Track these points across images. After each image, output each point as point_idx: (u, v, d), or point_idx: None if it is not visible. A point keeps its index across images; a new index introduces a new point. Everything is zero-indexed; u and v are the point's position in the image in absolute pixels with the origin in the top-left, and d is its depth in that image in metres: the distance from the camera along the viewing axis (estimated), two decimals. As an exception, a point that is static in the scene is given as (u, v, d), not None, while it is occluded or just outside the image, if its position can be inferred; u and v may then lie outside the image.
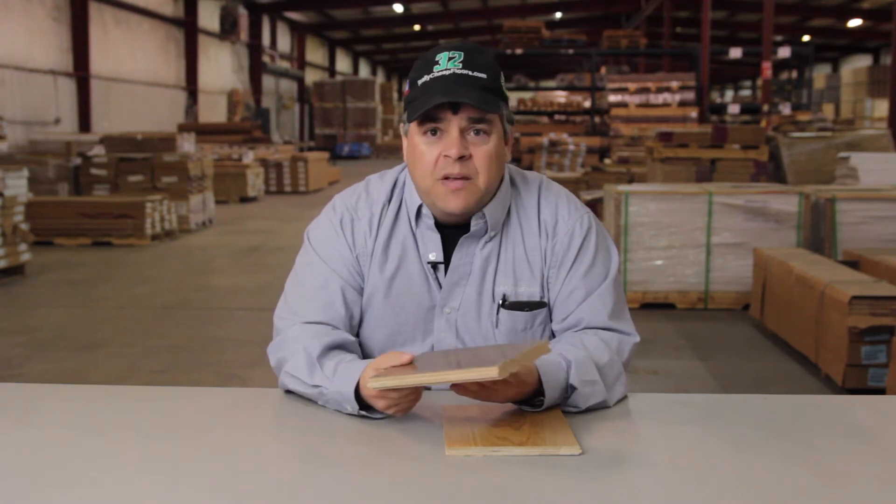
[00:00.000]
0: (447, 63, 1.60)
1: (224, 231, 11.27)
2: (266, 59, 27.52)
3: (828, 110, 26.22)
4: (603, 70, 20.64)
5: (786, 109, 15.68)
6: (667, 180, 8.33)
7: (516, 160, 14.41)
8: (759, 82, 17.39)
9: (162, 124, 18.75)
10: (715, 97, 36.92)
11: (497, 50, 18.85)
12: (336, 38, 36.29)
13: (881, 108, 22.99)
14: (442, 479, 1.27)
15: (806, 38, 28.70)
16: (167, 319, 6.30)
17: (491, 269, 1.69)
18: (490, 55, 1.65)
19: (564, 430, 1.44)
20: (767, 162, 8.69)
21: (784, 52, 16.80)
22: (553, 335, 1.73)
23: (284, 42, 30.54)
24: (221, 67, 24.47)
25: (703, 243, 6.43)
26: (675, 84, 17.25)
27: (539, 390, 1.51)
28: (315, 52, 34.37)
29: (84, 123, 16.26)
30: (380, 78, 40.70)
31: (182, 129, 17.06)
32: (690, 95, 17.03)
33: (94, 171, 11.25)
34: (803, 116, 13.82)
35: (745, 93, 39.06)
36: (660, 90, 17.21)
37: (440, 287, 1.69)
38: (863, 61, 32.67)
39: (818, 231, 6.49)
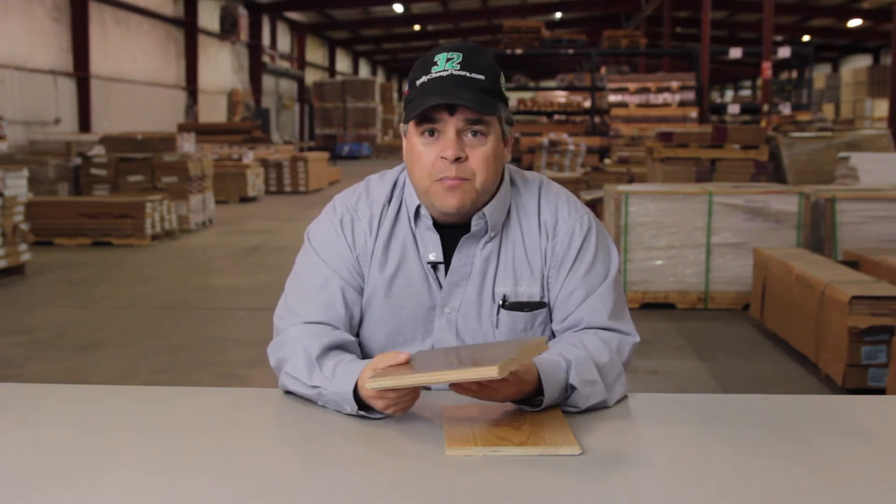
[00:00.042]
0: (445, 64, 1.60)
1: (224, 231, 11.27)
2: (266, 59, 27.52)
3: (828, 110, 26.23)
4: (603, 70, 20.64)
5: (786, 109, 15.68)
6: (667, 180, 8.33)
7: (516, 160, 14.41)
8: (759, 82, 17.39)
9: (162, 124, 18.75)
10: (715, 97, 36.92)
11: (497, 50, 18.86)
12: (336, 38, 36.29)
13: (881, 108, 23.00)
14: (442, 479, 1.27)
15: (806, 38, 28.71)
16: (167, 319, 6.30)
17: (491, 270, 1.69)
18: (489, 56, 1.65)
19: (564, 430, 1.44)
20: (767, 162, 8.69)
21: (784, 52, 16.80)
22: (553, 335, 1.73)
23: (284, 42, 30.55)
24: (221, 67, 24.47)
25: (703, 243, 6.43)
26: (675, 84, 17.26)
27: (539, 389, 1.51)
28: (315, 52, 34.37)
29: (84, 123, 16.27)
30: (380, 78, 40.70)
31: (182, 129, 17.06)
32: (690, 95, 17.03)
33: (94, 171, 11.25)
34: (803, 116, 13.83)
35: (745, 93, 39.07)
36: (660, 90, 17.21)
37: (440, 287, 1.69)
38: (863, 61, 32.67)
39: (818, 231, 6.49)
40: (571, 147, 14.40)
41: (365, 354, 1.72)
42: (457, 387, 1.48)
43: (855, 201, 6.41)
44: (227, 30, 23.81)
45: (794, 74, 22.86)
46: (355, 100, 30.04)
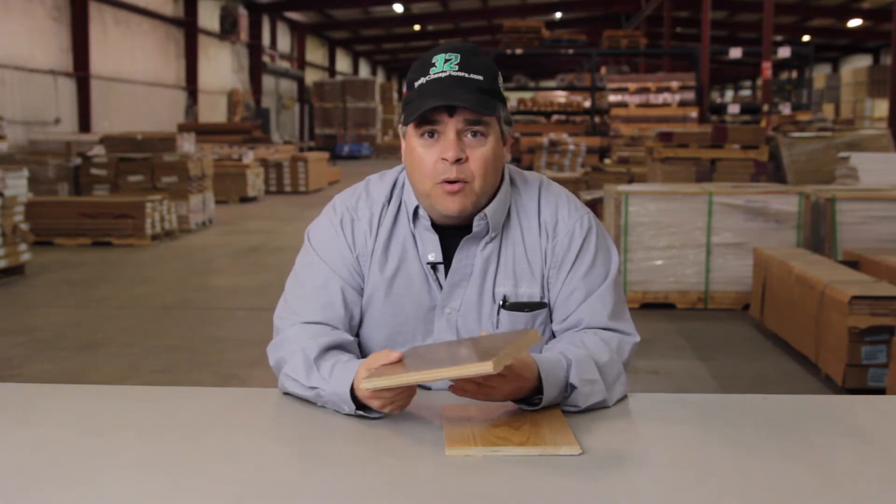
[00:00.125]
0: (443, 65, 1.60)
1: (224, 231, 11.27)
2: (266, 59, 27.53)
3: (828, 110, 26.23)
4: (603, 70, 20.64)
5: (786, 109, 15.68)
6: (667, 180, 8.33)
7: (516, 160, 14.40)
8: (759, 82, 17.39)
9: (162, 124, 18.76)
10: (715, 97, 36.92)
11: (497, 50, 18.85)
12: (336, 38, 36.29)
13: (881, 108, 23.00)
14: (442, 479, 1.27)
15: (806, 38, 28.71)
16: (167, 319, 6.30)
17: (491, 270, 1.69)
18: (487, 56, 1.65)
19: (564, 430, 1.43)
20: (767, 162, 8.69)
21: (784, 52, 16.80)
22: (553, 335, 1.73)
23: (284, 42, 30.55)
24: (221, 67, 24.48)
25: (703, 243, 6.43)
26: (675, 84, 17.26)
27: (538, 388, 1.51)
28: (315, 52, 34.38)
29: (84, 123, 16.27)
30: (380, 78, 40.70)
31: (182, 129, 17.06)
32: (690, 95, 17.03)
33: (94, 171, 11.25)
34: (803, 116, 13.83)
35: (745, 93, 39.07)
36: (660, 90, 17.21)
37: (440, 287, 1.69)
38: (863, 61, 32.67)
39: (818, 231, 6.49)
40: (571, 147, 14.40)
41: (364, 354, 1.72)
42: (456, 388, 1.48)
43: (855, 201, 6.41)
44: (227, 30, 23.82)
45: (794, 74, 22.87)
46: (355, 100, 30.04)
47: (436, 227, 1.69)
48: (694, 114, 16.34)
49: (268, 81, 28.18)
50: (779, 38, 25.91)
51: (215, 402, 1.65)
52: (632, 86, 17.49)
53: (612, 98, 17.37)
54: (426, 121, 1.60)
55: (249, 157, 15.88)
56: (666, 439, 1.45)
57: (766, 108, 13.67)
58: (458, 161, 1.59)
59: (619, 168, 11.40)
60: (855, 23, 27.34)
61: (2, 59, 13.89)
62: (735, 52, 17.81)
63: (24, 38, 14.63)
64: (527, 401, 1.53)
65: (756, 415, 1.56)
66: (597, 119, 18.42)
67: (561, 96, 22.80)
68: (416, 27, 32.98)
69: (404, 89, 1.67)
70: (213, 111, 23.55)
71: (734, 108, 18.85)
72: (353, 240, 1.71)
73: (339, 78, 34.11)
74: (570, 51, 21.13)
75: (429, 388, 1.70)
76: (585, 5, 28.63)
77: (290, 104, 30.67)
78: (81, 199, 10.31)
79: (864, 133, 10.33)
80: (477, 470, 1.29)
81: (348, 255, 1.71)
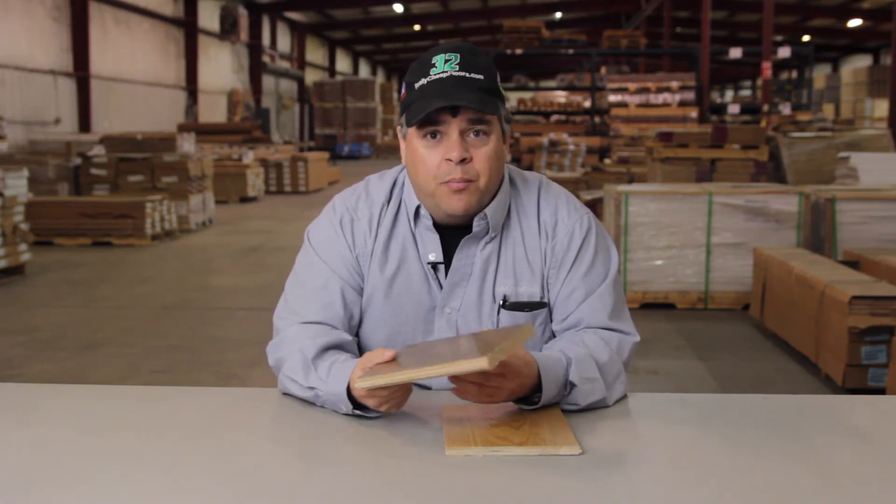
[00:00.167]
0: (444, 65, 1.60)
1: (224, 231, 11.27)
2: (266, 59, 27.52)
3: (828, 110, 26.23)
4: (603, 70, 20.64)
5: (786, 109, 15.68)
6: (667, 180, 8.33)
7: (516, 160, 14.40)
8: (759, 82, 17.39)
9: (162, 124, 18.76)
10: (715, 97, 36.92)
11: (497, 50, 18.85)
12: (336, 38, 36.30)
13: (881, 108, 23.00)
14: (442, 479, 1.27)
15: (806, 38, 28.71)
16: (167, 319, 6.30)
17: (491, 270, 1.70)
18: (486, 55, 1.65)
19: (564, 429, 1.43)
20: (767, 162, 8.69)
21: (784, 52, 16.80)
22: (553, 335, 1.73)
23: (284, 42, 30.55)
24: (221, 67, 24.48)
25: (703, 243, 6.43)
26: (675, 84, 17.26)
27: (538, 386, 1.51)
28: (315, 52, 34.38)
29: (84, 123, 16.27)
30: (380, 78, 40.70)
31: (182, 129, 17.06)
32: (690, 95, 17.03)
33: (94, 171, 11.25)
34: (803, 116, 13.83)
35: (745, 93, 39.06)
36: (660, 90, 17.21)
37: (440, 287, 1.70)
38: (863, 61, 32.68)
39: (818, 231, 6.49)
40: (571, 147, 14.40)
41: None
42: (458, 391, 1.48)
43: (855, 201, 6.41)
44: (227, 30, 23.82)
45: (794, 74, 22.87)
46: (355, 100, 30.04)
47: (436, 226, 1.69)
48: (694, 114, 16.35)
49: (268, 81, 28.18)
50: (779, 38, 25.92)
51: (215, 402, 1.65)
52: (632, 86, 17.49)
53: (612, 98, 17.37)
54: (429, 121, 1.60)
55: (249, 157, 15.88)
56: (666, 439, 1.45)
57: (766, 108, 13.67)
58: (462, 161, 1.60)
59: (619, 168, 11.40)
60: (855, 23, 27.34)
61: (2, 59, 13.89)
62: (735, 52, 17.81)
63: (24, 38, 14.64)
64: (526, 399, 1.53)
65: (756, 415, 1.56)
66: (597, 119, 18.42)
67: (561, 96, 22.80)
68: (416, 27, 32.98)
69: (402, 91, 1.67)
70: (213, 111, 23.55)
71: (734, 108, 18.86)
72: (352, 240, 1.71)
73: (339, 78, 34.11)
74: (570, 51, 21.13)
75: (429, 388, 1.70)
76: (585, 5, 28.63)
77: (290, 104, 30.68)
78: (81, 199, 10.31)
79: (864, 133, 10.33)
80: (477, 470, 1.29)
81: (348, 254, 1.71)
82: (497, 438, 1.39)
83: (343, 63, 38.87)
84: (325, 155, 19.75)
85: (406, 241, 1.71)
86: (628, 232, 6.44)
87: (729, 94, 42.48)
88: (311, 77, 32.68)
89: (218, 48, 24.13)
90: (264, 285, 7.37)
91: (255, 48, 26.63)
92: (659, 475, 1.30)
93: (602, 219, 7.19)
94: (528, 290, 1.70)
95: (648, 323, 5.88)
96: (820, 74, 31.90)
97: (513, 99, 22.82)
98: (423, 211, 1.69)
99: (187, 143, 11.86)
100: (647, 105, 17.10)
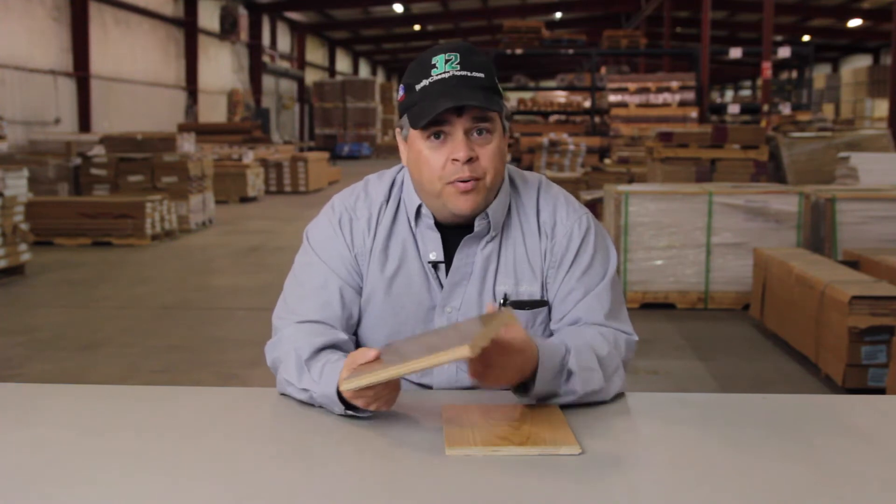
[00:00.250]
0: (445, 66, 1.60)
1: (224, 231, 11.27)
2: (266, 59, 27.53)
3: (828, 110, 26.23)
4: (603, 70, 20.64)
5: (786, 109, 15.68)
6: (667, 180, 8.33)
7: (516, 160, 14.40)
8: (759, 82, 17.39)
9: (162, 124, 18.76)
10: (715, 97, 36.91)
11: (497, 50, 18.86)
12: (336, 38, 36.29)
13: (881, 108, 23.00)
14: (442, 479, 1.27)
15: (806, 38, 28.71)
16: (167, 319, 6.30)
17: (492, 269, 1.70)
18: (484, 54, 1.65)
19: (564, 429, 1.43)
20: (767, 162, 8.69)
21: (784, 52, 16.80)
22: (552, 335, 1.73)
23: (284, 42, 30.55)
24: (221, 67, 24.48)
25: (703, 243, 6.43)
26: (675, 84, 17.25)
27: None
28: (315, 52, 34.38)
29: (84, 123, 16.27)
30: (380, 78, 40.70)
31: (182, 129, 17.06)
32: (690, 95, 17.03)
33: (94, 171, 11.25)
34: (803, 116, 13.82)
35: (745, 93, 39.06)
36: (660, 90, 17.20)
37: (440, 286, 1.70)
38: (863, 61, 32.68)
39: (818, 231, 6.49)
40: (571, 147, 14.39)
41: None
42: (472, 373, 1.46)
43: (855, 201, 6.41)
44: (227, 30, 23.82)
45: (794, 74, 22.87)
46: (355, 100, 30.04)
47: (437, 226, 1.69)
48: (694, 114, 16.34)
49: (268, 81, 28.18)
50: (779, 38, 25.91)
51: (215, 402, 1.65)
52: (632, 86, 17.49)
53: (612, 98, 17.37)
54: (433, 122, 1.60)
55: (249, 157, 15.88)
56: (666, 439, 1.45)
57: (766, 108, 13.67)
58: (469, 161, 1.60)
59: (619, 168, 11.40)
60: (855, 23, 27.34)
61: (2, 59, 13.89)
62: (735, 52, 17.81)
63: (24, 38, 14.64)
64: (525, 387, 1.52)
65: (756, 415, 1.56)
66: (597, 119, 18.42)
67: (561, 96, 22.79)
68: (416, 27, 32.98)
69: (401, 93, 1.67)
70: (213, 111, 23.55)
71: (734, 108, 18.85)
72: (351, 239, 1.71)
73: (339, 78, 34.11)
74: (570, 51, 21.13)
75: (430, 388, 1.71)
76: (585, 5, 28.64)
77: (290, 104, 30.67)
78: (81, 199, 10.31)
79: (864, 133, 10.33)
80: (477, 470, 1.29)
81: (347, 254, 1.71)
82: (497, 438, 1.39)
83: (343, 63, 38.87)
84: (325, 155, 19.75)
85: (406, 241, 1.71)
86: (628, 232, 6.44)
87: (729, 94, 42.48)
88: (311, 77, 32.68)
89: (218, 48, 24.13)
90: (264, 285, 7.37)
91: (255, 48, 26.63)
92: (659, 475, 1.30)
93: (602, 219, 7.19)
94: (529, 290, 1.70)
95: (648, 323, 5.88)
96: (820, 74, 31.90)
97: (513, 99, 22.82)
98: (424, 210, 1.69)
99: (187, 143, 11.86)
100: (647, 105, 17.10)
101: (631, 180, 9.88)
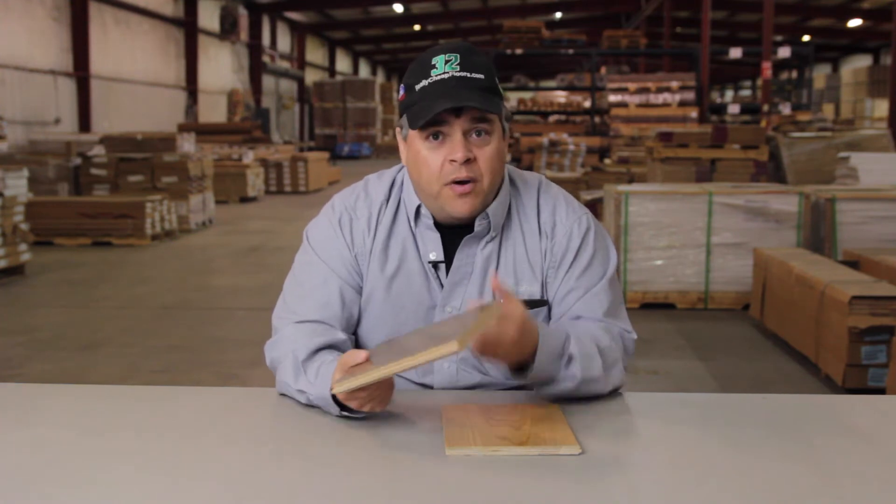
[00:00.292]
0: (444, 66, 1.60)
1: (224, 231, 11.27)
2: (266, 59, 27.52)
3: (828, 110, 26.23)
4: (603, 70, 20.64)
5: (786, 109, 15.68)
6: (667, 180, 8.33)
7: (516, 160, 14.40)
8: (759, 82, 17.39)
9: (162, 124, 18.76)
10: (715, 97, 36.91)
11: (497, 50, 18.85)
12: (336, 38, 36.30)
13: (881, 108, 23.00)
14: (442, 479, 1.27)
15: (806, 38, 28.71)
16: (167, 319, 6.30)
17: (492, 269, 1.70)
18: (484, 54, 1.65)
19: (564, 429, 1.43)
20: (767, 162, 8.69)
21: (784, 52, 16.80)
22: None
23: (284, 42, 30.55)
24: (221, 67, 24.48)
25: (703, 243, 6.43)
26: (675, 84, 17.25)
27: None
28: (315, 52, 34.38)
29: (84, 123, 16.27)
30: (380, 78, 40.70)
31: (182, 129, 17.07)
32: (690, 95, 17.03)
33: (94, 171, 11.25)
34: (803, 116, 13.82)
35: (745, 93, 39.06)
36: (660, 90, 17.20)
37: (440, 286, 1.70)
38: (863, 61, 32.68)
39: (818, 231, 6.49)
40: (571, 147, 14.39)
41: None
42: (477, 349, 1.46)
43: (855, 201, 6.41)
44: (227, 30, 23.82)
45: (794, 74, 22.87)
46: (355, 100, 30.03)
47: (436, 226, 1.69)
48: (694, 114, 16.34)
49: (268, 81, 28.18)
50: (779, 38, 25.91)
51: (215, 402, 1.65)
52: (632, 86, 17.49)
53: (612, 98, 17.37)
54: (432, 122, 1.60)
55: (249, 157, 15.88)
56: (666, 439, 1.45)
57: (766, 108, 13.67)
58: (466, 162, 1.60)
59: (619, 168, 11.40)
60: (855, 23, 27.34)
61: (2, 59, 13.89)
62: (735, 52, 17.80)
63: (24, 38, 14.64)
64: (524, 369, 1.52)
65: (756, 415, 1.56)
66: (597, 119, 18.42)
67: (561, 96, 22.79)
68: (416, 27, 32.98)
69: (401, 92, 1.67)
70: (213, 111, 23.55)
71: (734, 108, 18.85)
72: (351, 239, 1.71)
73: (339, 78, 34.11)
74: (570, 51, 21.13)
75: (430, 388, 1.71)
76: (585, 5, 28.63)
77: (290, 104, 30.67)
78: (81, 199, 10.31)
79: (864, 133, 10.33)
80: (477, 470, 1.29)
81: (347, 254, 1.71)
82: (497, 438, 1.39)
83: (343, 63, 38.87)
84: (325, 155, 19.75)
85: (406, 241, 1.71)
86: (628, 232, 6.44)
87: (729, 94, 42.48)
88: (311, 77, 32.68)
89: (218, 48, 24.13)
90: (264, 285, 7.37)
91: (255, 48, 26.63)
92: (659, 475, 1.30)
93: (602, 219, 7.19)
94: (529, 290, 1.70)
95: (648, 323, 5.88)
96: (820, 74, 31.90)
97: (513, 99, 22.82)
98: (423, 210, 1.69)
99: (187, 143, 11.86)
100: (647, 105, 17.10)
101: (631, 180, 9.88)
